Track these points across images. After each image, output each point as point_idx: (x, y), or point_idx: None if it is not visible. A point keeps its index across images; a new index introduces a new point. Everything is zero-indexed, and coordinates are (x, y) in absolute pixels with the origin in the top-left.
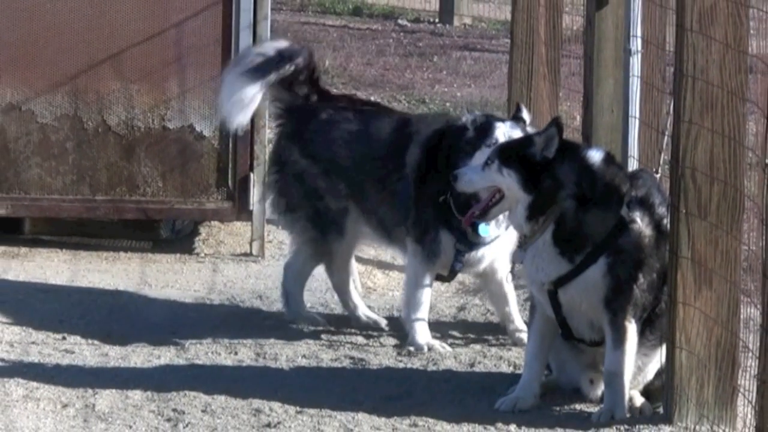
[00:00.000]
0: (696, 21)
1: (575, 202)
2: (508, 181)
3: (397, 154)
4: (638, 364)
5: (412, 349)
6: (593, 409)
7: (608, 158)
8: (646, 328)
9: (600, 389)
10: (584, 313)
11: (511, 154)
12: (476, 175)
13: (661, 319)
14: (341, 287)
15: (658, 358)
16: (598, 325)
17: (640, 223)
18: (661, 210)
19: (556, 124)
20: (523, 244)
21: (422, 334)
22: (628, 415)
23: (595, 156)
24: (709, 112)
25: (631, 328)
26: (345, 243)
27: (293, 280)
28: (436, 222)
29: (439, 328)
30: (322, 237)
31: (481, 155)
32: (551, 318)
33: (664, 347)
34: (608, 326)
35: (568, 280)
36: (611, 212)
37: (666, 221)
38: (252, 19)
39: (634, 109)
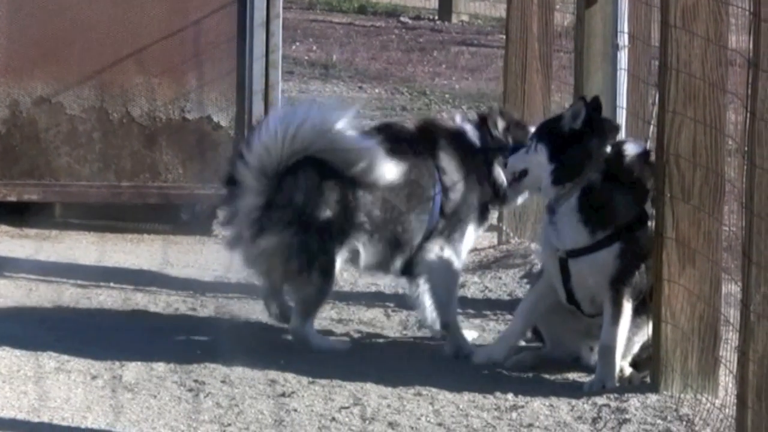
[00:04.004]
0: (679, 17)
1: (601, 176)
2: (539, 157)
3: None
4: (627, 336)
5: (472, 358)
6: (585, 379)
7: (644, 153)
8: (637, 306)
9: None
10: (589, 288)
11: (544, 131)
12: (517, 159)
13: (649, 298)
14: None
15: (644, 332)
16: (599, 301)
17: None
18: None
19: (586, 99)
20: (550, 208)
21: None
22: (617, 385)
23: (630, 147)
24: (691, 102)
25: (627, 307)
26: None
27: None
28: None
29: None
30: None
31: None
32: (553, 289)
33: (650, 323)
34: (609, 303)
35: (583, 253)
36: (635, 202)
37: None
38: (265, 17)
39: (622, 100)
